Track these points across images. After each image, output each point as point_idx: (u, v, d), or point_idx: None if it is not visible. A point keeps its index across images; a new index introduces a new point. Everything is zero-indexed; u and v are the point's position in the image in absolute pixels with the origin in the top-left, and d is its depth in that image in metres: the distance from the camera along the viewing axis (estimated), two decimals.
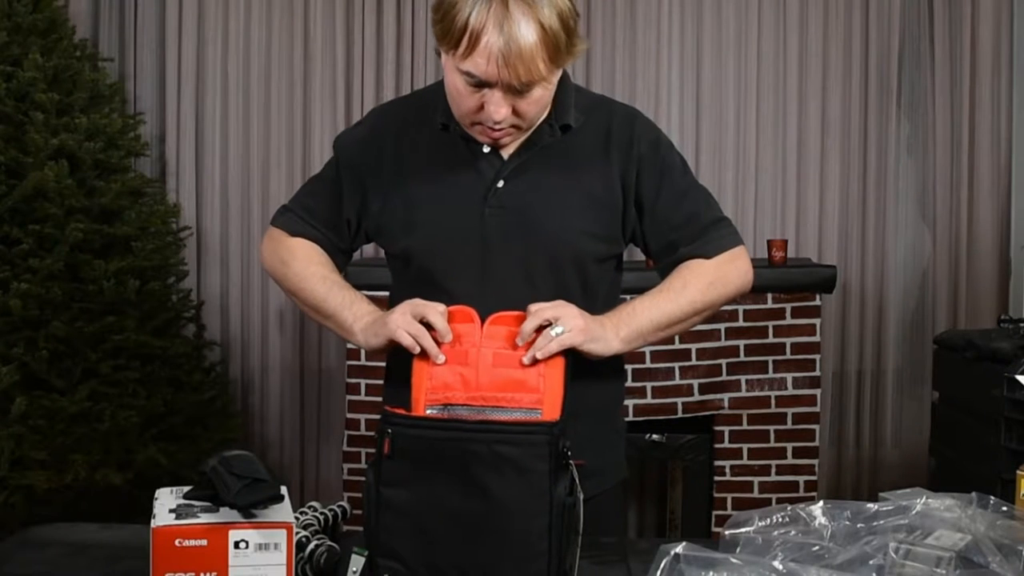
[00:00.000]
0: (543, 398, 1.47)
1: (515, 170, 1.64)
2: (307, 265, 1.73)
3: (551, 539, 1.37)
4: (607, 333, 1.57)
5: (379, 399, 1.82)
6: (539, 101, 1.56)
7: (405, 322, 1.52)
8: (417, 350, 1.50)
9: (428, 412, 1.46)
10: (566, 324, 1.51)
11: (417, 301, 1.55)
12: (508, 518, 1.36)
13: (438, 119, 1.66)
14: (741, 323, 3.56)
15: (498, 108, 1.53)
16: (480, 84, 1.51)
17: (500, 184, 1.63)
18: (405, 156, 1.68)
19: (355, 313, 1.65)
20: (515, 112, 1.55)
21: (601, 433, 1.72)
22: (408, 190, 1.66)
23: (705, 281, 1.67)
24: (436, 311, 1.51)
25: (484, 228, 1.63)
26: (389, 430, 1.40)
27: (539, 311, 1.51)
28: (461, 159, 1.65)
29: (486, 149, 1.64)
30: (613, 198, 1.67)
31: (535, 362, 1.48)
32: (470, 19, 1.46)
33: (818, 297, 3.61)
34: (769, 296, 3.57)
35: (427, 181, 1.66)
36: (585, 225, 1.65)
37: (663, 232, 1.69)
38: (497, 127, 1.56)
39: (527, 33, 1.47)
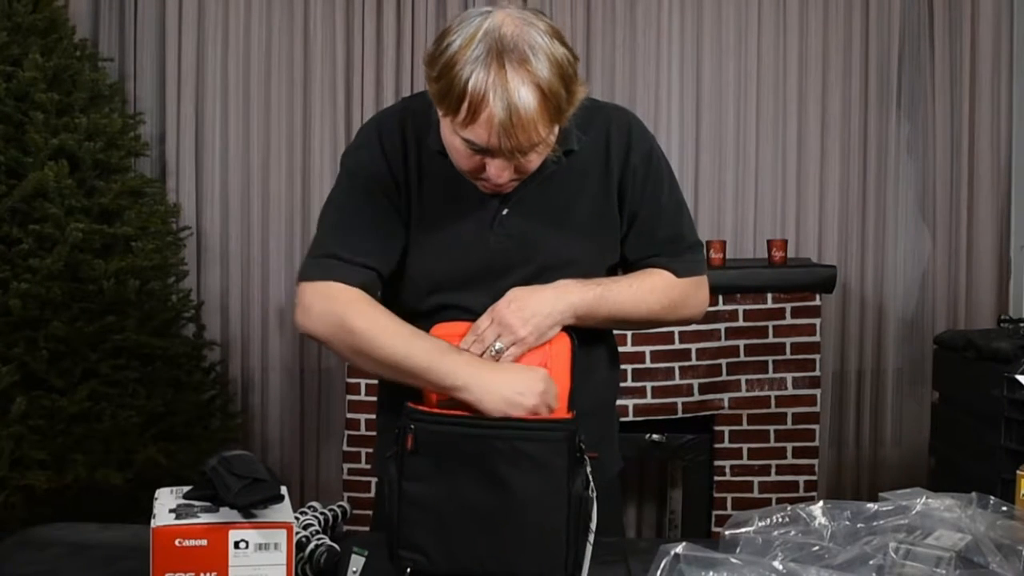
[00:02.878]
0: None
1: (520, 198, 1.62)
2: (375, 321, 1.56)
3: (568, 532, 1.40)
4: (555, 315, 1.56)
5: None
6: (540, 157, 1.54)
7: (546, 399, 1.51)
8: None
9: (437, 402, 1.50)
10: (505, 339, 1.53)
11: (553, 388, 1.51)
12: (527, 512, 1.40)
13: (433, 143, 1.60)
14: (741, 323, 3.56)
15: (500, 172, 1.50)
16: (480, 150, 1.48)
17: (504, 212, 1.62)
18: (410, 176, 1.63)
19: (447, 371, 1.50)
20: (517, 170, 1.52)
21: (602, 428, 1.73)
22: (410, 212, 1.63)
23: (669, 298, 1.68)
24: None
25: (490, 255, 1.61)
26: (412, 425, 1.42)
27: (481, 337, 1.53)
28: (462, 185, 1.60)
29: None
30: (613, 213, 1.67)
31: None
32: (469, 86, 1.41)
33: (818, 297, 3.61)
34: (769, 296, 3.57)
35: (429, 205, 1.63)
36: (591, 245, 1.66)
37: (643, 245, 1.69)
38: (500, 185, 1.54)
39: (528, 101, 1.42)
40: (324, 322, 1.58)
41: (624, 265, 1.72)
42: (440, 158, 1.60)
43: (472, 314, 1.59)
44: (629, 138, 1.67)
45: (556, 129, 1.50)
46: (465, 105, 1.43)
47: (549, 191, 1.62)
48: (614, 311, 1.63)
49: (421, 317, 1.61)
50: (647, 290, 1.66)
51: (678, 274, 1.69)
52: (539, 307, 1.55)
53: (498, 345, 1.52)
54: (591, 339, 1.64)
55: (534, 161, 1.53)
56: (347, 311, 1.56)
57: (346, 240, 1.61)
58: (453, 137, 1.50)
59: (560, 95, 1.45)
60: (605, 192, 1.66)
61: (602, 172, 1.66)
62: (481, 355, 1.52)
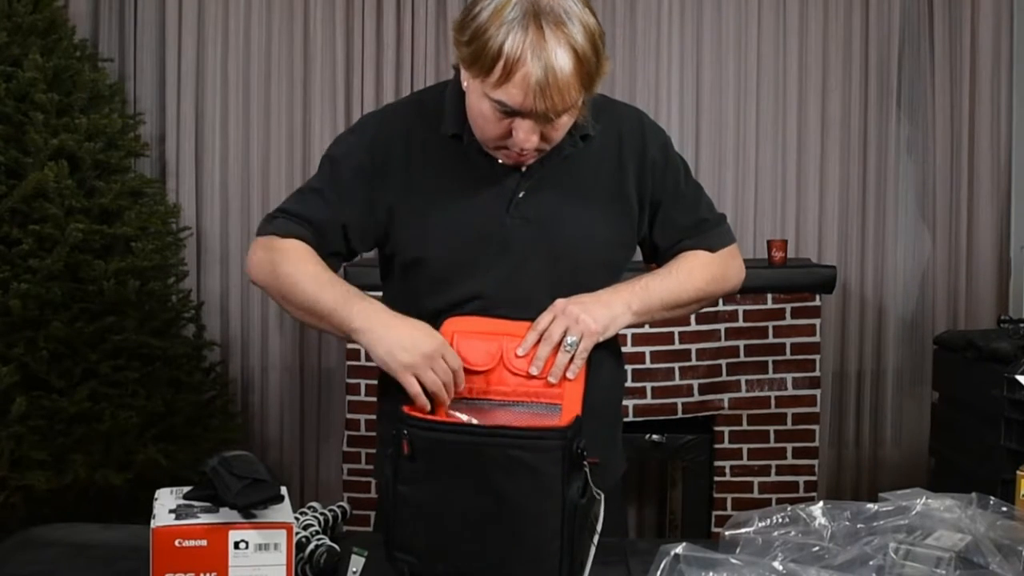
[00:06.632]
0: (564, 393, 1.52)
1: (536, 181, 1.63)
2: (297, 266, 1.63)
3: (563, 539, 1.40)
4: (615, 310, 1.60)
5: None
6: (567, 126, 1.56)
7: (438, 368, 1.50)
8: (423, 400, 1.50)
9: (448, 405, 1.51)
10: (575, 331, 1.54)
11: (449, 355, 1.52)
12: (521, 519, 1.39)
13: (446, 128, 1.63)
14: (741, 323, 3.56)
15: (528, 136, 1.52)
16: (511, 112, 1.49)
17: (521, 195, 1.62)
18: (414, 164, 1.64)
19: (350, 312, 1.57)
20: (542, 138, 1.54)
21: (607, 428, 1.74)
22: (420, 198, 1.64)
23: (710, 273, 1.74)
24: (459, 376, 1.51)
25: (506, 238, 1.62)
26: (406, 431, 1.42)
27: (548, 334, 1.54)
28: (477, 169, 1.62)
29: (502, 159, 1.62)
30: (629, 203, 1.69)
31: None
32: (504, 47, 1.44)
33: (818, 297, 3.60)
34: (769, 296, 3.57)
35: (442, 190, 1.63)
36: (606, 234, 1.67)
37: (672, 233, 1.74)
38: (524, 152, 1.55)
39: (564, 63, 1.45)
40: (261, 270, 1.67)
41: (655, 253, 1.77)
42: (454, 143, 1.63)
43: (488, 300, 1.60)
44: (643, 133, 1.71)
45: (583, 98, 1.52)
46: (500, 65, 1.45)
47: (565, 175, 1.64)
48: (665, 298, 1.67)
49: (439, 305, 1.62)
50: (687, 272, 1.71)
51: (712, 249, 1.75)
52: (601, 305, 1.59)
53: (571, 339, 1.53)
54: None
55: (561, 128, 1.55)
56: (279, 258, 1.64)
57: (295, 207, 1.69)
58: (482, 101, 1.51)
59: (592, 61, 1.48)
60: (618, 184, 1.68)
61: (615, 165, 1.68)
62: (554, 352, 1.53)
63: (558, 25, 1.44)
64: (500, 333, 1.55)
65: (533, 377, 1.52)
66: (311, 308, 1.61)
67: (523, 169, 1.62)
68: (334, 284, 1.61)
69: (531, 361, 1.52)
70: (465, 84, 1.55)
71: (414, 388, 1.50)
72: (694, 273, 1.72)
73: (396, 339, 1.53)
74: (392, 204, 1.66)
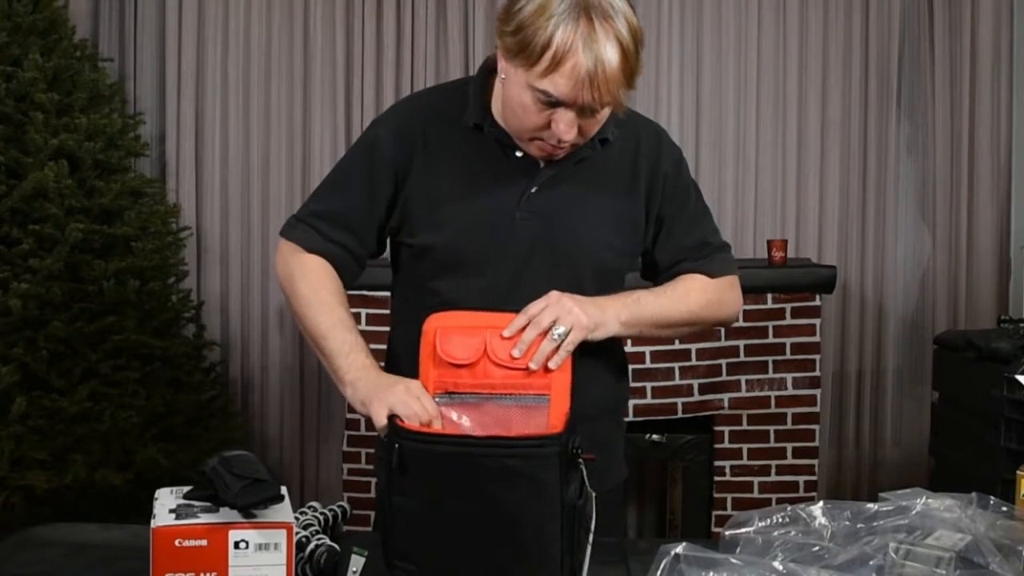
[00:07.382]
0: (551, 383, 1.51)
1: (550, 178, 1.63)
2: (317, 291, 1.66)
3: (563, 541, 1.39)
4: (607, 316, 1.59)
5: None
6: (602, 121, 1.56)
7: (413, 403, 1.49)
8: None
9: (435, 400, 1.50)
10: (565, 322, 1.53)
11: (419, 392, 1.50)
12: (520, 525, 1.38)
13: (468, 118, 1.64)
14: (741, 323, 3.55)
15: (569, 128, 1.52)
16: (554, 103, 1.50)
17: (534, 190, 1.63)
18: (434, 151, 1.66)
19: (349, 363, 1.59)
20: (579, 131, 1.54)
21: (606, 434, 1.73)
22: (437, 185, 1.65)
23: (705, 298, 1.73)
24: (432, 415, 1.48)
25: (515, 231, 1.63)
26: (397, 444, 1.41)
27: (537, 320, 1.53)
28: (494, 160, 1.63)
29: (519, 153, 1.62)
30: (637, 212, 1.69)
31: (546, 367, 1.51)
32: (555, 37, 1.45)
33: (818, 297, 3.61)
34: (769, 296, 3.57)
35: (457, 179, 1.64)
36: (612, 240, 1.67)
37: (674, 251, 1.73)
38: (560, 145, 1.55)
39: (612, 56, 1.47)
40: (284, 274, 1.71)
41: (655, 270, 1.76)
42: (474, 134, 1.64)
43: (491, 291, 1.60)
44: (660, 146, 1.72)
45: (623, 94, 1.54)
46: (549, 54, 1.46)
47: (579, 176, 1.65)
48: (656, 315, 1.66)
49: (444, 292, 1.63)
50: (682, 293, 1.70)
51: (712, 275, 1.74)
52: (594, 306, 1.58)
53: (559, 329, 1.52)
54: (597, 345, 1.62)
55: (597, 124, 1.56)
56: (298, 274, 1.68)
57: (323, 208, 1.70)
58: (523, 92, 1.51)
59: (634, 56, 1.51)
60: (630, 191, 1.68)
61: (630, 174, 1.68)
62: (539, 338, 1.51)
63: (607, 19, 1.47)
64: (483, 327, 1.53)
65: (518, 367, 1.50)
66: (315, 340, 1.65)
67: (542, 165, 1.63)
68: (343, 324, 1.62)
69: (515, 344, 1.51)
70: (503, 75, 1.55)
71: (381, 422, 1.47)
72: (689, 296, 1.71)
73: (379, 382, 1.54)
74: (409, 194, 1.67)
